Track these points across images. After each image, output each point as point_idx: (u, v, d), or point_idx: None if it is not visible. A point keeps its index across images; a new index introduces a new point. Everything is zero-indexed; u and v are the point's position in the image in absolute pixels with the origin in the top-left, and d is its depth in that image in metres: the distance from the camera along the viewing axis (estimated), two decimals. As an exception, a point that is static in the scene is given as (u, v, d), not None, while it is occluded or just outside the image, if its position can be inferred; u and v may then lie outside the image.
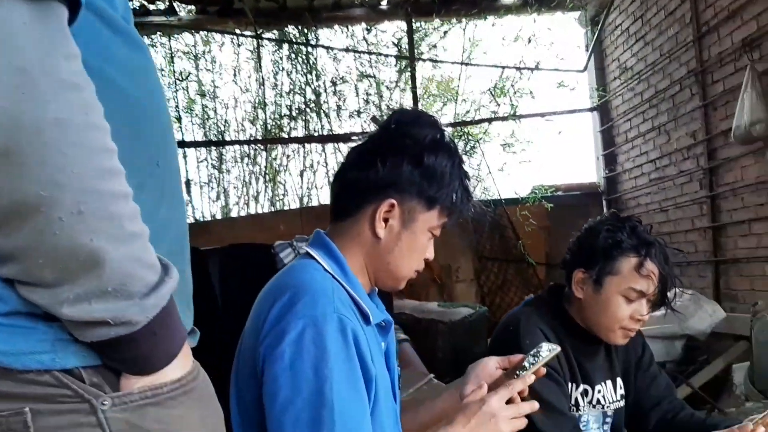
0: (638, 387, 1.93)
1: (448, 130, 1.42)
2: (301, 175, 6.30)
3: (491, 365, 1.43)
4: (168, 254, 0.70)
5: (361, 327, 1.17)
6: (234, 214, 6.34)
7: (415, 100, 6.27)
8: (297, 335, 1.08)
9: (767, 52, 3.82)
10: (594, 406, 1.85)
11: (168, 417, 0.67)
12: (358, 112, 6.32)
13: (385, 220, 1.26)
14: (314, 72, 6.28)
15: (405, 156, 1.26)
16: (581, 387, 1.83)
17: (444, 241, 5.88)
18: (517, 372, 1.36)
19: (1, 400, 0.62)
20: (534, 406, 1.28)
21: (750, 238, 4.26)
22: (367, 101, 6.39)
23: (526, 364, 1.38)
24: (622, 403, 1.90)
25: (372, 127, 5.93)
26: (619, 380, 1.90)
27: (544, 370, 1.39)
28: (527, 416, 1.65)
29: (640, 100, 5.72)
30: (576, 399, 1.81)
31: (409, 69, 6.35)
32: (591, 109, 6.67)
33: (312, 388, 1.06)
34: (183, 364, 0.70)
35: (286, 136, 6.30)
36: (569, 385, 1.80)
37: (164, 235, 0.74)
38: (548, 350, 1.40)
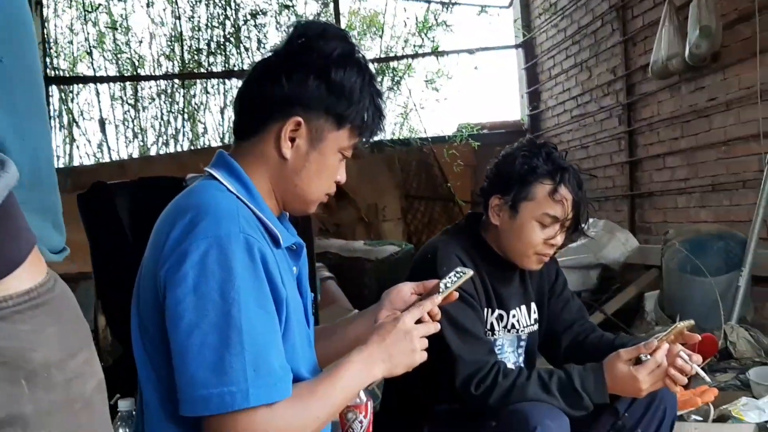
0: (551, 311, 1.96)
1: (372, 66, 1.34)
2: (222, 112, 6.10)
3: (405, 291, 1.41)
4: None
5: (270, 249, 1.11)
6: (153, 153, 6.10)
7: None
8: (200, 257, 1.02)
9: (685, -13, 3.87)
10: (509, 331, 1.87)
11: (16, 333, 0.60)
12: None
13: (292, 140, 1.19)
14: (233, 3, 6.01)
15: (311, 70, 1.18)
16: (496, 312, 1.84)
17: (370, 180, 5.88)
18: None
19: None
20: (435, 328, 1.26)
21: (664, 172, 4.41)
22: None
23: (441, 287, 1.36)
24: (535, 327, 1.93)
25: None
26: (533, 305, 1.93)
27: (456, 294, 1.38)
28: (444, 341, 1.67)
29: (563, 36, 5.76)
30: (491, 323, 1.83)
31: (332, 1, 6.17)
32: (516, 46, 6.68)
33: (218, 311, 1.01)
34: (32, 275, 0.63)
35: (205, 72, 6.05)
36: (485, 310, 1.81)
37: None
38: (461, 273, 1.39)
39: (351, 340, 1.47)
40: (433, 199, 6.11)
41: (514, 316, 1.87)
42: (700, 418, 2.15)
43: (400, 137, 6.31)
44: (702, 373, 1.60)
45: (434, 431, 1.78)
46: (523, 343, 1.91)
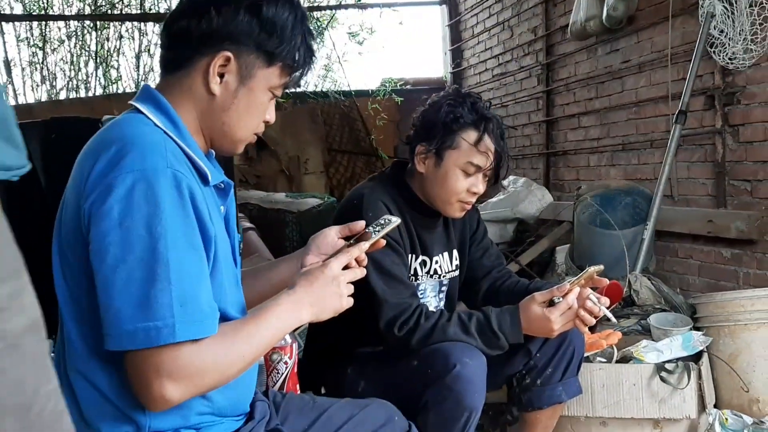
0: (472, 258, 2.03)
1: None
2: (138, 58, 5.84)
3: (332, 235, 1.42)
4: None
5: (198, 185, 1.10)
6: (62, 98, 5.79)
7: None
8: (126, 191, 1.00)
9: (604, -50, 3.97)
10: (431, 276, 1.93)
11: None
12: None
13: (221, 75, 1.17)
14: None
15: (241, 4, 1.16)
16: (420, 258, 1.89)
17: (293, 133, 5.82)
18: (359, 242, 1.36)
19: None
20: (361, 273, 1.28)
21: (578, 131, 4.58)
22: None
23: (368, 232, 1.38)
24: (456, 273, 2.00)
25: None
26: (455, 252, 1.99)
27: (383, 242, 1.40)
28: (368, 285, 1.71)
29: (487, -6, 5.81)
30: (415, 269, 1.88)
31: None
32: (440, 3, 6.69)
33: (145, 246, 0.99)
34: None
35: (119, 14, 5.75)
36: (409, 255, 1.86)
37: None
38: (388, 221, 1.41)
39: (276, 283, 1.48)
40: (355, 153, 6.11)
41: (436, 262, 1.93)
42: (605, 360, 2.29)
43: (324, 90, 6.24)
44: (609, 314, 1.71)
45: (358, 372, 1.83)
46: (444, 288, 1.98)
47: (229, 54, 1.15)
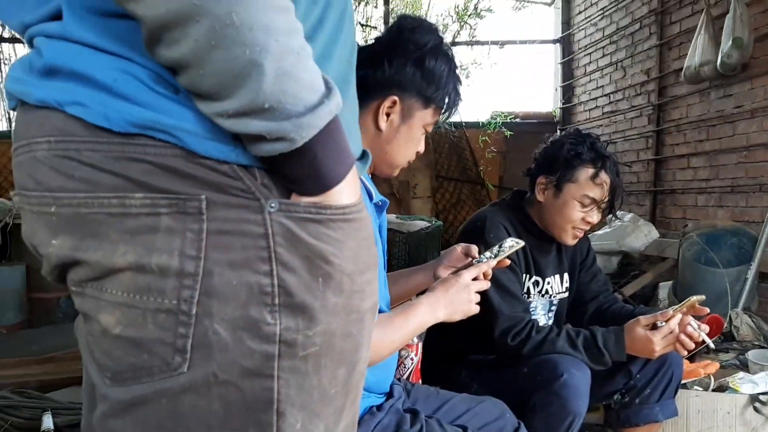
0: (581, 281, 2.23)
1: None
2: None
3: (458, 250, 1.68)
4: (336, 79, 0.70)
5: (367, 202, 1.40)
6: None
7: (387, 15, 6.34)
8: None
9: (723, -2, 4.08)
10: (543, 295, 2.15)
11: (325, 236, 0.69)
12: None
13: (387, 115, 1.46)
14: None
15: (409, 58, 1.45)
16: (533, 278, 2.12)
17: (404, 159, 6.11)
18: (481, 258, 1.60)
19: (180, 181, 0.65)
20: (487, 285, 1.52)
21: (687, 171, 4.64)
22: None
23: (489, 252, 1.62)
24: (566, 295, 2.20)
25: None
26: (566, 275, 2.20)
27: (508, 262, 1.64)
28: (487, 298, 1.95)
29: (601, 35, 5.95)
30: (528, 287, 2.11)
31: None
32: (554, 41, 6.87)
33: None
34: (350, 194, 0.71)
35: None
36: (524, 275, 2.09)
37: (332, 56, 0.75)
38: (513, 244, 1.65)
39: (411, 288, 1.77)
40: (462, 180, 6.35)
41: (548, 282, 2.15)
42: (701, 388, 2.42)
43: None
44: (708, 340, 1.86)
45: (471, 375, 2.06)
46: (554, 308, 2.19)
47: (396, 98, 1.45)
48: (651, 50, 5.09)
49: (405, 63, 1.45)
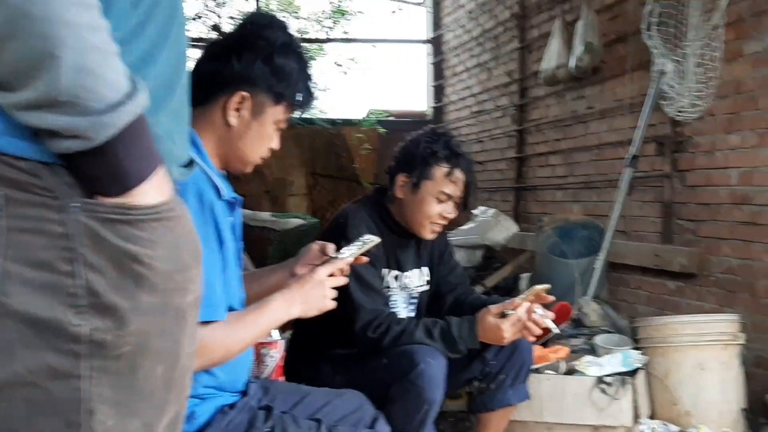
0: (439, 275, 2.31)
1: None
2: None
3: (315, 248, 1.70)
4: (159, 84, 0.71)
5: (216, 199, 1.38)
6: None
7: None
8: None
9: (576, 4, 4.33)
10: (403, 289, 2.20)
11: (134, 236, 0.68)
12: (198, 17, 6.22)
13: (237, 110, 1.45)
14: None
15: (259, 55, 1.45)
16: (393, 272, 2.17)
17: (279, 156, 6.07)
18: (338, 256, 1.62)
19: None
20: (343, 281, 1.55)
21: (546, 169, 4.92)
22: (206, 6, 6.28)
23: (346, 250, 1.65)
24: (426, 288, 2.27)
25: (212, 34, 5.88)
26: (425, 269, 2.27)
27: (365, 258, 1.67)
28: (348, 292, 1.98)
29: (468, 37, 6.17)
30: (388, 282, 2.16)
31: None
32: (425, 42, 7.05)
33: None
34: (157, 194, 0.71)
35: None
36: (384, 270, 2.14)
37: (155, 61, 0.74)
38: (369, 240, 1.69)
39: (269, 286, 1.75)
40: (338, 178, 6.39)
41: (408, 276, 2.21)
42: (553, 372, 2.58)
43: (310, 117, 6.55)
44: (552, 325, 1.99)
45: (334, 369, 2.08)
46: (414, 301, 2.25)
47: (245, 94, 1.43)
48: (513, 53, 5.35)
49: (254, 59, 1.44)
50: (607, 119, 4.12)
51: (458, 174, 2.07)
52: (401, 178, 2.11)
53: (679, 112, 3.24)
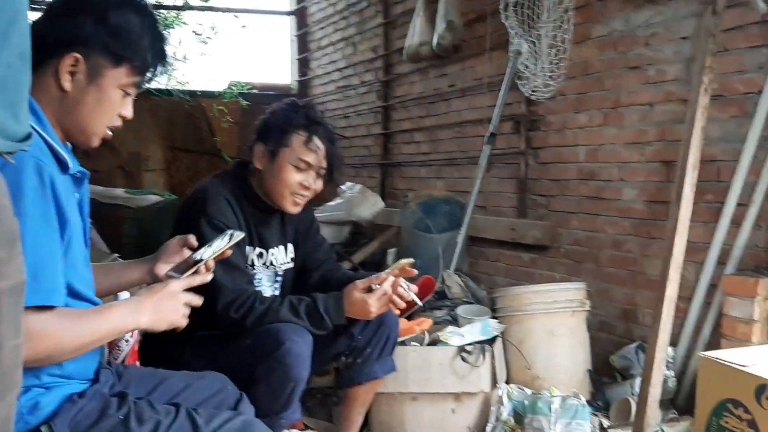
0: (305, 251, 2.27)
1: None
2: None
3: (174, 243, 1.62)
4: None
5: (58, 173, 1.25)
6: None
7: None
8: None
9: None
10: (267, 267, 2.15)
11: None
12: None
13: (72, 74, 1.31)
14: None
15: (91, 13, 1.32)
16: (257, 250, 2.10)
17: (134, 129, 5.75)
18: (199, 257, 1.52)
19: None
20: (198, 302, 1.45)
21: (411, 145, 5.00)
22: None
23: (211, 246, 1.57)
24: (291, 265, 2.23)
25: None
26: (290, 245, 2.22)
27: (229, 252, 1.60)
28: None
29: (333, 10, 6.11)
30: (252, 260, 2.09)
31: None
32: (288, 13, 6.90)
33: None
34: None
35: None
36: (247, 247, 2.07)
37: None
38: (234, 235, 1.61)
39: (124, 283, 1.65)
40: (198, 152, 6.15)
41: (272, 254, 2.15)
42: (417, 344, 2.63)
43: (168, 88, 6.22)
44: (416, 298, 2.03)
45: (195, 353, 2.00)
46: (279, 278, 2.20)
47: (77, 55, 1.30)
48: (377, 28, 5.36)
49: (86, 17, 1.31)
50: (468, 97, 4.24)
51: (317, 142, 2.03)
52: (259, 148, 2.05)
53: (533, 91, 3.40)
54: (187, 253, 1.60)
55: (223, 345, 1.98)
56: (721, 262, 2.59)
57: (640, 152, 2.99)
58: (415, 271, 2.06)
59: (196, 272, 1.48)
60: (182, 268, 1.50)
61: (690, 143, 2.40)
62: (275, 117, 2.05)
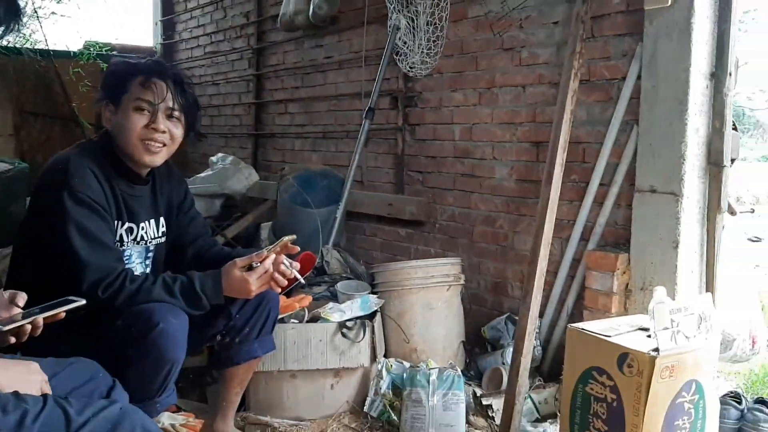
0: (179, 226, 2.15)
1: None
2: None
3: (5, 298, 1.47)
4: None
5: None
6: None
7: None
8: None
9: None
10: (138, 243, 2.01)
11: None
12: None
13: None
14: None
15: None
16: (126, 225, 1.96)
17: (-23, 90, 5.20)
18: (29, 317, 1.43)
19: None
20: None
21: (285, 117, 4.89)
22: None
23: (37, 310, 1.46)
24: (163, 240, 2.10)
25: None
26: (162, 219, 2.09)
27: (63, 315, 1.50)
28: (73, 248, 1.75)
29: (202, -29, 5.82)
30: (121, 235, 1.95)
31: None
32: (153, -29, 6.49)
33: None
34: None
35: None
36: (116, 222, 1.92)
37: None
38: (70, 302, 1.51)
39: None
40: (52, 117, 5.66)
41: (143, 228, 2.02)
42: (297, 320, 2.60)
43: (16, 46, 5.66)
44: (299, 276, 1.99)
45: (58, 336, 1.82)
46: (150, 254, 2.07)
47: None
48: (250, -7, 5.17)
49: None
50: (345, 70, 4.19)
51: (157, 80, 1.90)
52: (105, 107, 1.93)
53: (411, 67, 3.42)
54: (15, 309, 1.47)
55: (92, 328, 1.84)
56: (584, 238, 2.75)
57: (513, 132, 3.10)
58: (297, 248, 2.02)
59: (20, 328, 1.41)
60: (6, 322, 1.41)
61: (560, 125, 2.51)
62: (115, 69, 1.95)
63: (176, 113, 1.93)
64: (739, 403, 2.46)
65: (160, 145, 1.91)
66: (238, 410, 2.37)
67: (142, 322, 1.76)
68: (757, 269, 4.68)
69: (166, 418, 2.20)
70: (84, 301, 1.52)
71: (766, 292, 3.86)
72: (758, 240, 6.58)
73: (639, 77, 2.51)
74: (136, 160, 1.92)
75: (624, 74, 2.59)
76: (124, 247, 1.96)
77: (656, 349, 1.83)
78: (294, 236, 2.00)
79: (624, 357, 1.90)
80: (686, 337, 1.89)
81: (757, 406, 2.43)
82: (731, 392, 2.56)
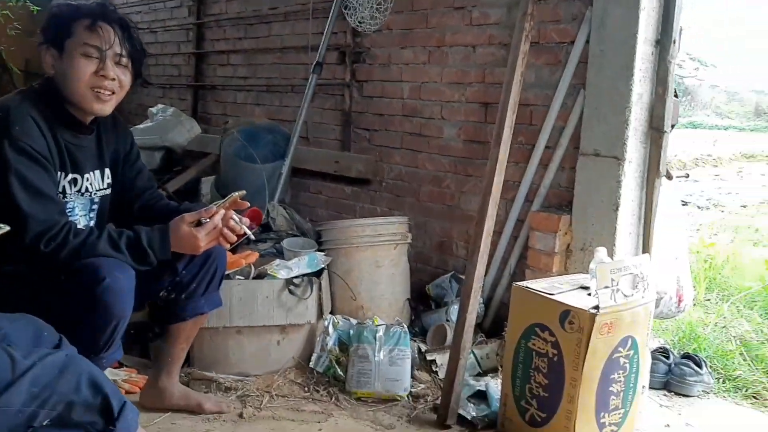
0: (125, 177, 2.09)
1: None
2: None
3: None
4: None
5: None
6: None
7: None
8: None
9: None
10: (82, 194, 1.94)
11: None
12: None
13: None
14: None
15: None
16: (70, 176, 1.89)
17: None
18: None
19: None
20: None
21: (227, 68, 4.75)
22: None
23: None
24: (108, 192, 2.04)
25: None
26: (107, 170, 2.02)
27: None
28: (14, 199, 1.68)
29: None
30: (64, 187, 1.87)
31: None
32: None
33: None
34: None
35: None
36: (59, 173, 1.84)
37: None
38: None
39: None
40: (-24, 62, 5.35)
41: (87, 179, 1.95)
42: (243, 277, 2.58)
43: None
44: (249, 232, 1.97)
45: (4, 293, 1.77)
46: (95, 207, 2.01)
47: None
48: (191, -65, 4.95)
49: None
50: (291, 22, 4.09)
51: (102, 24, 1.82)
52: (46, 52, 1.84)
53: (360, 22, 3.37)
54: None
55: (35, 283, 1.78)
56: (529, 199, 2.81)
57: (461, 92, 3.11)
58: (247, 204, 2.00)
59: None
60: None
61: (510, 87, 2.53)
62: (57, 11, 1.84)
63: (124, 59, 1.85)
64: (667, 357, 2.61)
65: (110, 92, 1.84)
66: (183, 366, 2.35)
67: (88, 277, 1.71)
68: (685, 231, 4.90)
69: (108, 374, 2.16)
70: (8, 228, 1.46)
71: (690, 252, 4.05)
72: (685, 204, 6.88)
73: (587, 41, 2.55)
74: (84, 108, 1.84)
75: (573, 38, 2.62)
76: (66, 199, 1.89)
77: (596, 307, 1.91)
78: (243, 192, 1.97)
79: (566, 314, 1.98)
80: (625, 295, 1.98)
81: (683, 360, 2.58)
82: (660, 348, 2.71)
